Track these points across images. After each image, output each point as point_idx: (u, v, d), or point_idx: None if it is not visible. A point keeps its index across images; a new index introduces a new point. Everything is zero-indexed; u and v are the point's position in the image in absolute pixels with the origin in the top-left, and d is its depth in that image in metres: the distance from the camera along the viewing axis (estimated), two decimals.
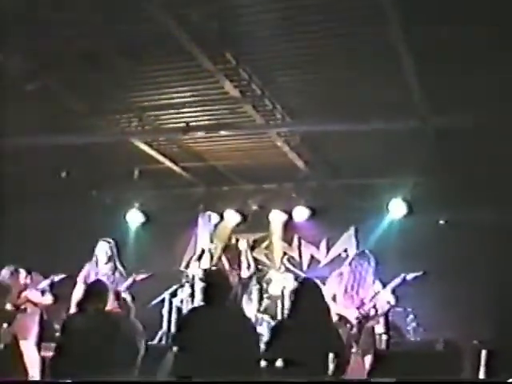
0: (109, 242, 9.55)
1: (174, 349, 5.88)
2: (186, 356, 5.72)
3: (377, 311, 8.68)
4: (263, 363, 5.74)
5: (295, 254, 12.92)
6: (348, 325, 8.48)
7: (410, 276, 8.91)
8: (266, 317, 10.40)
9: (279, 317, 10.20)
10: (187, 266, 12.36)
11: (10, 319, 8.73)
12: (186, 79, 8.26)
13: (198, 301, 10.44)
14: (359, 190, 11.67)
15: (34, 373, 9.18)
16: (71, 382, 5.87)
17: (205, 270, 11.04)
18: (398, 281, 8.79)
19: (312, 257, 12.83)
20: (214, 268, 11.29)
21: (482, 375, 7.01)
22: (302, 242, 12.89)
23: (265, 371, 5.70)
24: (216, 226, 13.00)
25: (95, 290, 7.09)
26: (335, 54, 7.46)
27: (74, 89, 8.51)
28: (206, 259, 11.97)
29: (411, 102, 8.30)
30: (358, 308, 8.54)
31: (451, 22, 6.53)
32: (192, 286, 11.21)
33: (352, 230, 12.43)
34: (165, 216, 12.39)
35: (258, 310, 10.74)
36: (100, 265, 9.52)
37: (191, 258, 12.61)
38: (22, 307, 9.00)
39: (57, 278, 9.49)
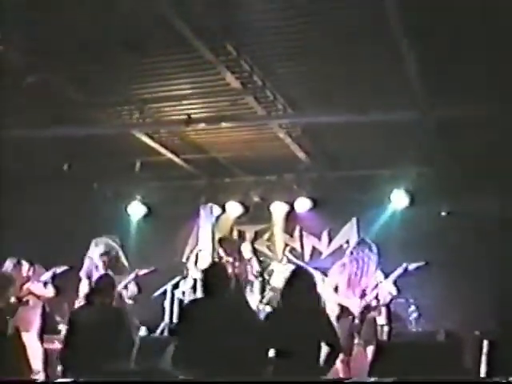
0: (110, 238, 9.58)
1: (174, 340, 5.95)
2: (185, 347, 5.76)
3: (379, 302, 8.70)
4: (271, 352, 5.75)
5: (297, 245, 12.93)
6: (350, 316, 8.50)
7: (411, 266, 8.93)
8: (268, 308, 10.41)
9: None
10: (189, 258, 12.38)
11: (12, 311, 8.74)
12: (187, 71, 8.24)
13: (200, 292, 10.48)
14: (361, 181, 11.66)
15: (37, 365, 9.21)
16: (71, 382, 5.92)
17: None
18: (399, 271, 8.81)
19: (314, 248, 12.83)
20: (213, 260, 11.31)
21: (483, 365, 7.04)
22: (304, 233, 12.89)
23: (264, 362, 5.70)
24: (218, 217, 13.02)
25: (102, 284, 7.16)
26: (336, 45, 7.44)
27: (75, 81, 8.51)
28: (206, 253, 12.02)
29: (412, 93, 8.29)
30: (360, 298, 8.55)
31: (451, 11, 6.52)
32: (194, 279, 11.25)
33: (354, 221, 12.43)
34: (166, 208, 12.38)
35: (261, 302, 10.76)
36: (96, 260, 9.54)
37: (192, 250, 12.64)
38: (24, 299, 9.02)
39: (59, 271, 9.53)
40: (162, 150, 11.01)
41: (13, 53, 7.42)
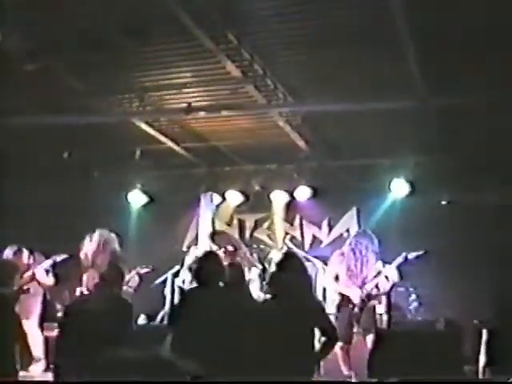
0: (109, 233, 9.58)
1: (171, 328, 5.99)
2: (182, 335, 5.80)
3: (379, 291, 8.73)
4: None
5: (297, 234, 12.95)
6: (351, 305, 8.53)
7: (411, 255, 8.95)
8: (268, 296, 10.40)
9: None
10: (189, 247, 12.39)
11: (14, 299, 8.76)
12: (187, 59, 8.24)
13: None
14: (361, 170, 11.66)
15: (38, 352, 9.25)
16: (71, 383, 5.94)
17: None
18: (400, 260, 8.83)
19: (314, 237, 12.85)
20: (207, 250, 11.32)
21: (482, 354, 7.06)
22: (304, 221, 12.90)
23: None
24: (218, 206, 13.04)
25: (111, 274, 7.20)
26: (337, 34, 7.42)
27: (75, 69, 8.49)
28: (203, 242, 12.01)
29: (412, 82, 8.28)
30: (360, 287, 8.58)
31: (452, 2, 6.51)
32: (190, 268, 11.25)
33: (354, 210, 12.45)
34: (167, 196, 12.38)
35: (261, 290, 10.76)
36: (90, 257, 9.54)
37: (193, 238, 12.65)
38: (25, 287, 9.03)
39: (59, 259, 9.53)
40: (162, 139, 11.01)
41: (13, 41, 7.40)
